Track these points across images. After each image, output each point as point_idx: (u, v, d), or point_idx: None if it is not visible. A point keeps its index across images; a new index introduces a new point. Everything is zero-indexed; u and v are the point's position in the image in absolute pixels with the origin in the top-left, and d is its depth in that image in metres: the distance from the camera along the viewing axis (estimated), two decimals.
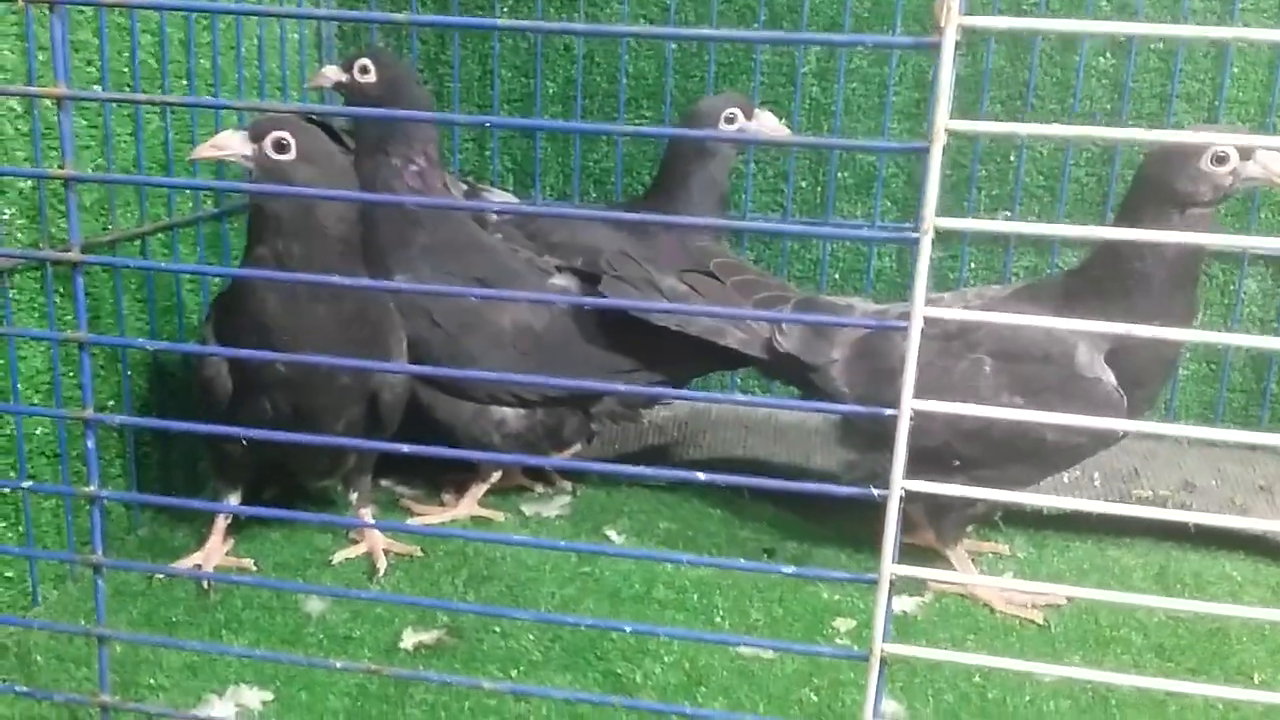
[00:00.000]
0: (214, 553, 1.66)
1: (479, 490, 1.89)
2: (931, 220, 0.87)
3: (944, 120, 0.85)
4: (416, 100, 1.84)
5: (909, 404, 0.93)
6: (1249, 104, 2.04)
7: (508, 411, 1.81)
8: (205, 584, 1.59)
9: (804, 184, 2.21)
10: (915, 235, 0.88)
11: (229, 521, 1.71)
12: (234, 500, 1.70)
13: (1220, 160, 1.45)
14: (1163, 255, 1.49)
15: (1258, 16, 2.01)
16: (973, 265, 2.16)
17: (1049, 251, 2.13)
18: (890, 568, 0.97)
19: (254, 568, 1.67)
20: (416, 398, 1.78)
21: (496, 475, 1.90)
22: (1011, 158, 2.12)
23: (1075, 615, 1.64)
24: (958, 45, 0.84)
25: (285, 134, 1.47)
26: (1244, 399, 2.13)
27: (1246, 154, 1.45)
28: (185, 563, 1.65)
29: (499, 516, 1.88)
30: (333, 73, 1.82)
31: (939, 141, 0.85)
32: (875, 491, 0.97)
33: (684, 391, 1.95)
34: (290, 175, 1.47)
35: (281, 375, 1.54)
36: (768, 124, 1.94)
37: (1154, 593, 1.70)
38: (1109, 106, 2.07)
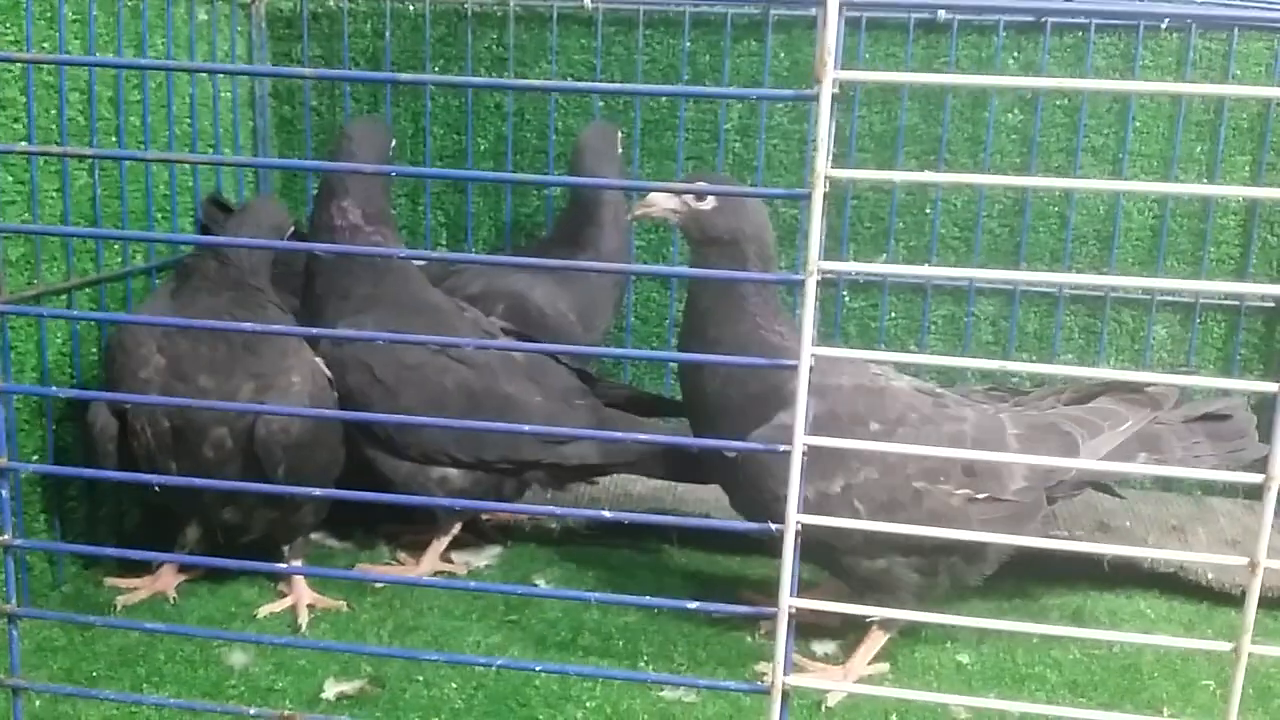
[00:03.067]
0: (167, 575, 1.75)
1: (440, 545, 1.89)
2: (815, 264, 0.91)
3: (824, 168, 0.90)
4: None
5: (801, 440, 0.97)
6: (1151, 156, 2.13)
7: (450, 470, 1.82)
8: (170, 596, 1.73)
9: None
10: (800, 278, 0.92)
11: (185, 551, 1.78)
12: (192, 532, 1.78)
13: None
14: None
15: (1157, 73, 2.10)
16: (893, 314, 2.21)
17: (965, 300, 2.19)
18: (788, 601, 1.00)
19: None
20: (361, 453, 1.79)
21: (455, 529, 1.90)
22: (928, 210, 2.18)
23: (994, 654, 1.67)
24: (835, 98, 0.89)
25: None
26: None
27: None
28: (140, 584, 1.74)
29: (462, 570, 1.89)
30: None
31: (819, 188, 0.90)
32: (773, 526, 1.00)
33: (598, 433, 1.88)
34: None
35: (165, 434, 1.62)
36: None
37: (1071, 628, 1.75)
38: (1019, 160, 2.15)
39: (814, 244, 0.91)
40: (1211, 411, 1.72)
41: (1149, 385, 1.69)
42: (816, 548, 1.36)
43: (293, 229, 1.83)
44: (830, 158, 0.91)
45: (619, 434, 1.82)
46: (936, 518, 1.54)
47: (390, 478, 1.80)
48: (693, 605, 0.99)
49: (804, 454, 0.97)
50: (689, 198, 1.55)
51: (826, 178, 0.90)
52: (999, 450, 1.58)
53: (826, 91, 0.88)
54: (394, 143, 1.95)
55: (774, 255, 1.61)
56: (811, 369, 0.95)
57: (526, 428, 1.65)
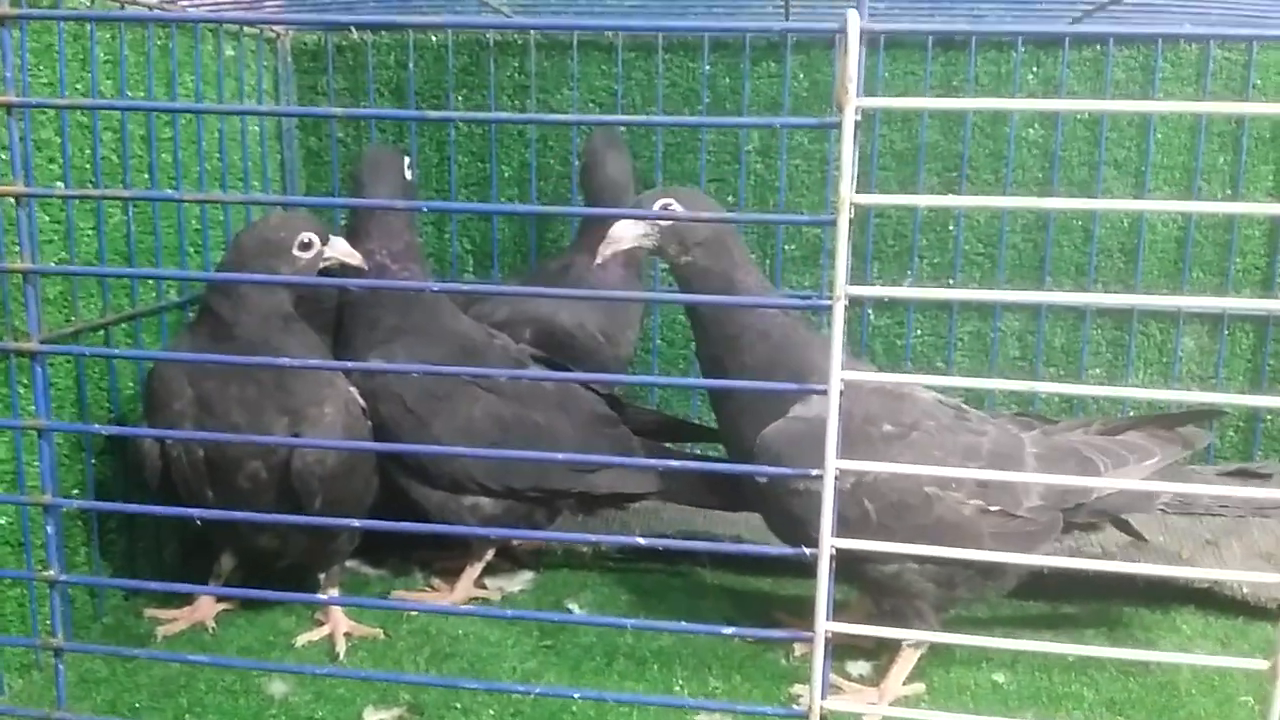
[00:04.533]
0: (206, 605, 1.78)
1: (474, 571, 1.89)
2: (843, 288, 0.92)
3: (848, 194, 0.91)
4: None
5: (833, 464, 0.97)
6: (1174, 169, 2.13)
7: (481, 498, 1.83)
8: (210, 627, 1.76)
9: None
10: (828, 302, 0.93)
11: (221, 580, 1.82)
12: (227, 561, 1.81)
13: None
14: None
15: (1177, 85, 2.11)
16: (919, 331, 2.22)
17: (991, 315, 2.19)
18: (824, 625, 1.00)
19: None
20: (394, 480, 1.81)
21: (489, 555, 1.91)
22: (951, 227, 2.19)
23: (1029, 673, 1.67)
24: (857, 124, 0.90)
25: None
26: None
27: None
28: (179, 615, 1.76)
29: (496, 595, 1.90)
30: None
31: (844, 214, 0.91)
32: (806, 551, 1.01)
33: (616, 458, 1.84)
34: None
35: (200, 464, 1.64)
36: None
37: (1106, 648, 1.74)
38: (1040, 175, 2.16)
39: (840, 269, 0.92)
40: (1249, 469, 1.70)
41: (1181, 425, 1.67)
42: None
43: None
44: (854, 182, 0.92)
45: (650, 461, 1.83)
46: (946, 525, 1.53)
47: (423, 505, 1.82)
48: (728, 630, 1.00)
49: (835, 478, 0.97)
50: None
51: (852, 204, 0.91)
52: (1016, 467, 1.57)
53: (850, 119, 0.89)
54: (408, 161, 1.92)
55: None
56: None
57: (559, 455, 1.65)
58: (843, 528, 1.51)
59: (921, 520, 1.52)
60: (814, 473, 0.98)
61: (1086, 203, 1.69)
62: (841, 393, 0.95)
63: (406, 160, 1.92)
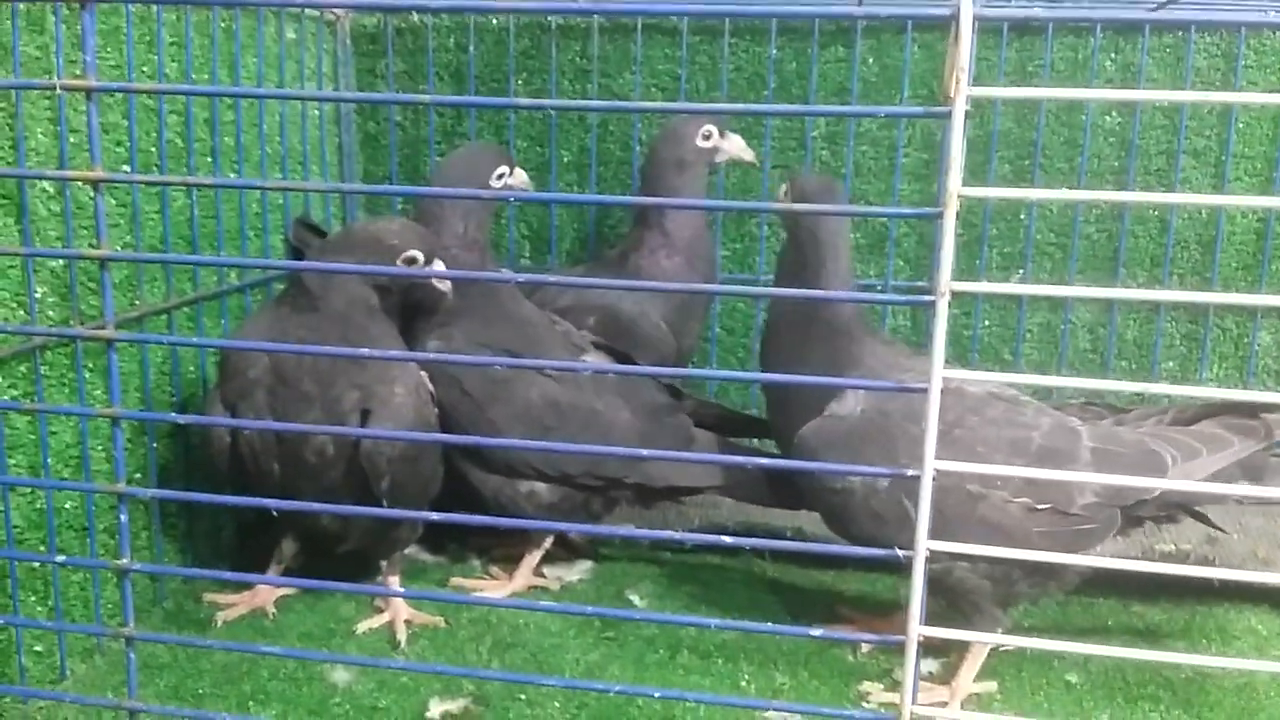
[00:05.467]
0: (265, 590, 1.78)
1: (533, 559, 1.88)
2: (947, 284, 0.89)
3: (956, 186, 0.88)
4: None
5: (931, 464, 0.94)
6: (1255, 159, 2.07)
7: (537, 484, 1.81)
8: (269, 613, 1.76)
9: None
10: (932, 299, 0.89)
11: (282, 567, 1.83)
12: (289, 546, 1.82)
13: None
14: None
15: (1261, 73, 2.04)
16: (987, 323, 2.17)
17: (1062, 308, 2.14)
18: (917, 629, 0.97)
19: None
20: (453, 465, 1.80)
21: (548, 543, 1.89)
22: (1022, 216, 2.14)
23: (1102, 673, 1.63)
24: (967, 114, 0.86)
25: None
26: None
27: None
28: (239, 600, 1.76)
29: (555, 585, 1.88)
30: None
31: (952, 207, 0.87)
32: (900, 552, 0.98)
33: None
34: None
35: (269, 437, 1.64)
36: (736, 144, 2.00)
37: (1180, 649, 1.70)
38: (1116, 164, 2.10)
39: (945, 264, 0.89)
40: None
41: (1265, 413, 1.59)
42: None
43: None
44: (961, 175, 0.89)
45: (707, 456, 1.80)
46: (990, 525, 1.49)
47: (479, 490, 1.80)
48: (816, 632, 0.97)
49: (934, 479, 0.94)
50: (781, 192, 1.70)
51: (959, 197, 0.88)
52: (1069, 463, 1.52)
53: (960, 108, 0.86)
54: (500, 168, 1.91)
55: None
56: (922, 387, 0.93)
57: (611, 449, 1.62)
58: (882, 525, 1.50)
59: (965, 522, 1.49)
60: (909, 473, 0.95)
61: (1173, 198, 1.63)
62: (942, 391, 0.92)
63: (502, 170, 1.91)
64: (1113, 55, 2.08)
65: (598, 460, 1.79)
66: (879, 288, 2.20)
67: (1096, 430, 1.58)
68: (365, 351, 1.36)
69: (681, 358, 2.10)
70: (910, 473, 0.95)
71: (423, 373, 1.72)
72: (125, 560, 1.13)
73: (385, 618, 1.73)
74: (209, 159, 1.86)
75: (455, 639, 1.70)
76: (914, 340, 2.22)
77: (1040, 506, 1.51)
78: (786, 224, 1.72)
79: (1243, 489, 1.57)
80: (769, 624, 1.05)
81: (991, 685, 1.59)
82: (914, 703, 0.98)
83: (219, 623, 1.72)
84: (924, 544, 0.95)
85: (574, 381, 1.80)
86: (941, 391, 1.51)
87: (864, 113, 1.01)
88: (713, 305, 2.24)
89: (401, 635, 1.69)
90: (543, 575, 1.90)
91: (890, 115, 1.08)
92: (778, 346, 1.71)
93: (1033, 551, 0.96)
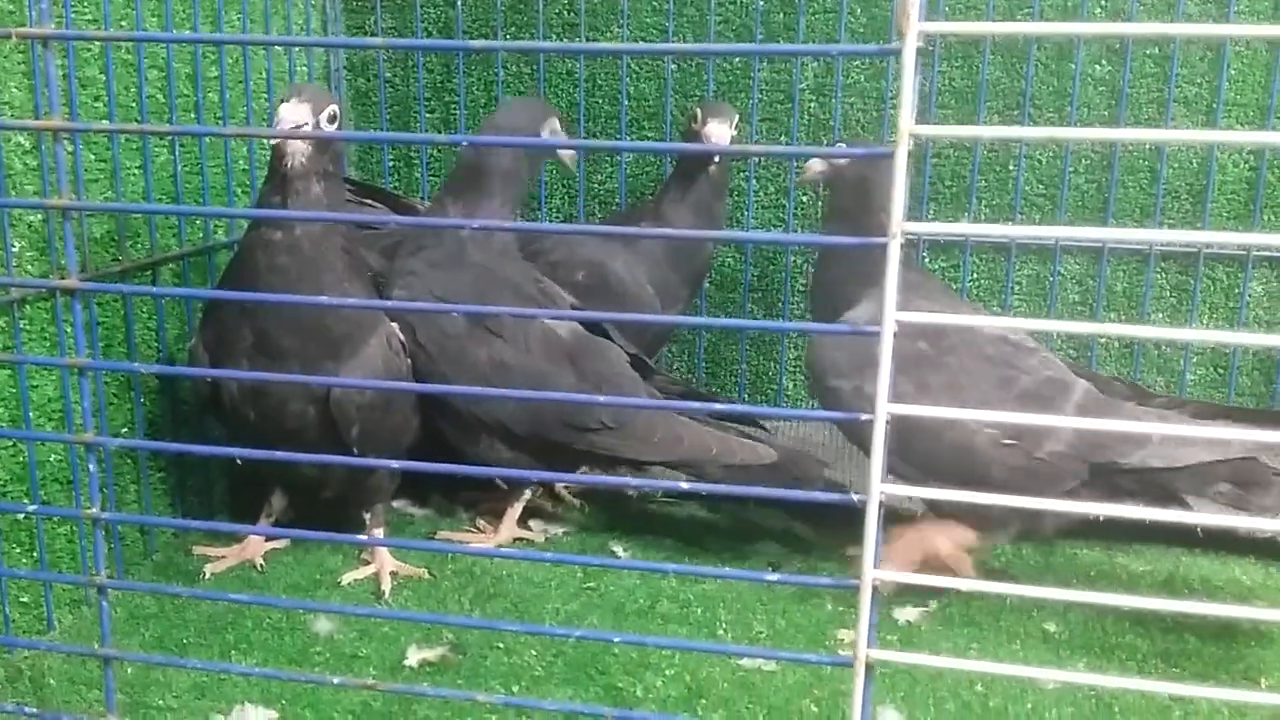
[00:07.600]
0: (255, 543, 1.80)
1: (516, 510, 1.89)
2: (899, 225, 0.89)
3: (908, 125, 0.87)
4: None
5: (884, 408, 0.94)
6: (1247, 106, 2.04)
7: (497, 441, 1.79)
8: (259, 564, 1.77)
9: (805, 199, 2.23)
10: (884, 240, 0.89)
11: (272, 520, 1.85)
12: (278, 501, 1.84)
13: None
14: None
15: (1253, 20, 2.01)
16: (974, 275, 2.16)
17: (1050, 258, 2.13)
18: (871, 573, 0.98)
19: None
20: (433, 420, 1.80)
21: (527, 494, 1.90)
22: (1011, 167, 2.12)
23: (1081, 623, 1.63)
24: (920, 51, 0.85)
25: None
26: (1253, 402, 2.11)
27: None
28: (228, 553, 1.78)
29: (539, 537, 1.90)
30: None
31: (903, 145, 0.87)
32: (855, 496, 0.98)
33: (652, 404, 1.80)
34: None
35: (246, 385, 1.65)
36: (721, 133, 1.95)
37: (1162, 598, 1.70)
38: (1106, 113, 2.07)
39: (897, 204, 0.88)
40: None
41: None
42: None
43: None
44: (915, 114, 0.88)
45: (631, 400, 1.77)
46: (957, 449, 1.52)
47: (459, 446, 1.81)
48: (772, 577, 0.98)
49: (887, 422, 0.94)
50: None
51: (911, 135, 0.87)
52: (1050, 410, 1.54)
53: (911, 45, 0.85)
54: (550, 122, 1.86)
55: None
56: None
57: (528, 394, 1.61)
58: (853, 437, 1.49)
59: (931, 444, 1.50)
60: (863, 417, 0.95)
61: (1156, 133, 1.61)
62: (895, 334, 0.92)
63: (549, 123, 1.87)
64: (1102, 2, 2.05)
65: (540, 424, 1.77)
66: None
67: (1093, 394, 1.58)
68: (325, 300, 1.37)
69: (663, 326, 2.14)
70: (864, 417, 0.95)
71: (393, 324, 1.72)
72: (94, 510, 1.14)
73: (370, 569, 1.75)
74: (192, 115, 1.85)
75: (439, 590, 1.71)
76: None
77: (1007, 441, 1.52)
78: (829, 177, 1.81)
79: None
80: (725, 569, 1.05)
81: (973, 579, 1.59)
82: (869, 646, 0.98)
83: (207, 575, 1.74)
84: (878, 488, 0.95)
85: (522, 342, 1.77)
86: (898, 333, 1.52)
87: (813, 51, 1.00)
88: (707, 275, 2.23)
89: (386, 586, 1.71)
90: (529, 528, 1.91)
91: (841, 54, 1.07)
92: (828, 265, 1.80)
93: (982, 494, 0.96)
